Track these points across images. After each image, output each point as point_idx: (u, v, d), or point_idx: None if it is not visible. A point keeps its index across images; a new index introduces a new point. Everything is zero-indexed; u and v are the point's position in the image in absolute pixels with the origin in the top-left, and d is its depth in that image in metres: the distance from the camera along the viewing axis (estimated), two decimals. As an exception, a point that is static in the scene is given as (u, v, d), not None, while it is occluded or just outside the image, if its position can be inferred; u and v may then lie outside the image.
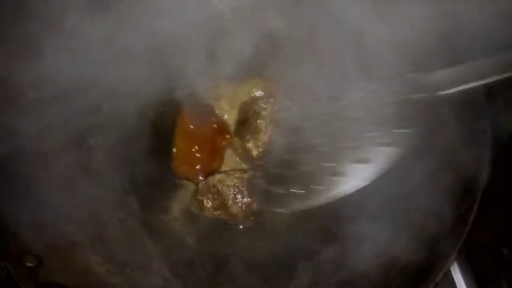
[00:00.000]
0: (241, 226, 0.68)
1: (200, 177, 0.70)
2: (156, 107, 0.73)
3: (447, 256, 0.51)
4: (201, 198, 0.68)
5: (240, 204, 0.67)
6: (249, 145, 0.68)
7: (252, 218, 0.68)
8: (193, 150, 0.70)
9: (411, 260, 0.55)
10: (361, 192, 0.50)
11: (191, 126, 0.71)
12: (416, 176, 0.56)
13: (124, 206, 0.68)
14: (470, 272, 0.65)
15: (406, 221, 0.57)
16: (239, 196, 0.67)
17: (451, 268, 0.64)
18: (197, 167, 0.70)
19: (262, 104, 0.71)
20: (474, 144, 0.55)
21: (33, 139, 0.59)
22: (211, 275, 0.64)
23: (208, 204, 0.67)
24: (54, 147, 0.62)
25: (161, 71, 0.70)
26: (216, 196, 0.67)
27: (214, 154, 0.72)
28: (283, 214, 0.68)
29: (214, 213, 0.68)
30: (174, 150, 0.71)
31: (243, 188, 0.67)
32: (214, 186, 0.67)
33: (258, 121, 0.69)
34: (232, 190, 0.67)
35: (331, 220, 0.62)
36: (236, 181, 0.67)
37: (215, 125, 0.72)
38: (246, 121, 0.71)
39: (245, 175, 0.68)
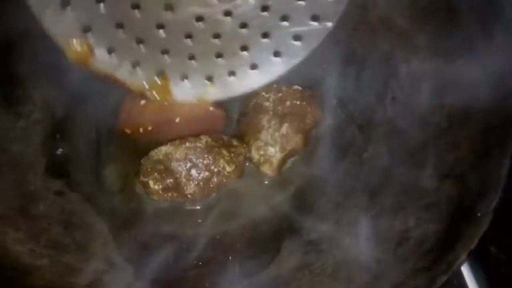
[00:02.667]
0: (198, 207, 0.55)
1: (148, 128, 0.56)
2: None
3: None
4: (146, 179, 0.52)
5: (196, 182, 0.52)
6: (249, 148, 0.56)
7: (213, 195, 0.54)
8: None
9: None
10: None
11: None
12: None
13: (62, 175, 0.53)
14: (481, 274, 0.57)
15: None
16: (194, 172, 0.52)
17: (462, 270, 0.56)
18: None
19: (263, 93, 0.57)
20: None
21: None
22: (172, 260, 0.50)
23: (156, 186, 0.52)
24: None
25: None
26: (164, 175, 0.52)
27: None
28: (251, 186, 0.56)
29: (165, 195, 0.53)
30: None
31: (198, 161, 0.52)
32: (161, 162, 0.52)
33: (260, 115, 0.56)
34: (184, 165, 0.52)
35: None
36: (187, 152, 0.52)
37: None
38: (245, 116, 0.58)
39: (199, 143, 0.53)
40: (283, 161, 0.56)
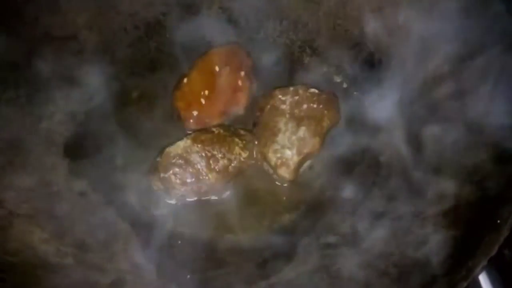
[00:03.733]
0: (215, 197, 0.56)
1: (191, 123, 0.58)
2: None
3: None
4: (166, 174, 0.53)
5: (217, 170, 0.54)
6: (266, 150, 0.56)
7: (230, 181, 0.56)
8: (202, 93, 0.58)
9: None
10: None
11: (216, 68, 0.59)
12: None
13: (84, 176, 0.55)
14: (496, 277, 0.56)
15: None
16: (213, 161, 0.54)
17: (480, 278, 0.55)
18: (194, 112, 0.58)
19: (280, 96, 0.57)
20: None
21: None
22: (194, 260, 0.51)
23: (178, 180, 0.53)
24: None
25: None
26: (184, 167, 0.53)
27: (218, 112, 0.59)
28: (269, 188, 0.56)
29: (182, 189, 0.54)
30: (185, 80, 0.59)
31: (215, 151, 0.54)
32: (180, 156, 0.54)
33: (277, 118, 0.57)
34: (204, 156, 0.54)
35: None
36: (204, 143, 0.54)
37: (240, 82, 0.59)
38: (262, 119, 0.58)
39: (213, 134, 0.55)
40: (300, 164, 0.57)
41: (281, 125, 0.56)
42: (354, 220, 0.52)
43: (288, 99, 0.57)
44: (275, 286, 0.50)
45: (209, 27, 0.64)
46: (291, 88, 0.58)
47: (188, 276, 0.48)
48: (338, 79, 0.63)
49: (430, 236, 0.46)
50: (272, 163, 0.56)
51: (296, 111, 0.57)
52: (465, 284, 0.40)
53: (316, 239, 0.52)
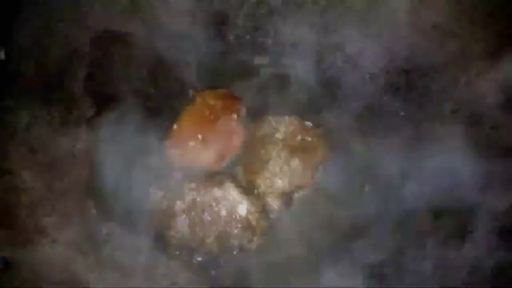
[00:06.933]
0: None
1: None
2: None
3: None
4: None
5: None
6: (255, 177, 0.54)
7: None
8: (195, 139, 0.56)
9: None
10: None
11: (207, 112, 0.57)
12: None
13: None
14: None
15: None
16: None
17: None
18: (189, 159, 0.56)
19: (274, 123, 0.56)
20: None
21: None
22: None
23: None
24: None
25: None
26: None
27: (215, 158, 0.56)
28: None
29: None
30: (175, 126, 0.57)
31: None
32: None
33: (269, 146, 0.56)
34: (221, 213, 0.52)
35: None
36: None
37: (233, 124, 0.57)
38: (254, 145, 0.56)
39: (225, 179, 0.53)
40: (290, 194, 0.55)
41: (273, 153, 0.55)
42: (398, 239, 0.51)
43: (282, 128, 0.56)
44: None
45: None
46: (286, 117, 0.56)
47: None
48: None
49: (484, 260, 0.44)
50: (261, 190, 0.54)
51: (290, 141, 0.55)
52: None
53: (358, 260, 0.51)
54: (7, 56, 0.53)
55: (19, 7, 0.54)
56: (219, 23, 0.61)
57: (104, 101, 0.57)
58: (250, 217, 0.52)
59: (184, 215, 0.52)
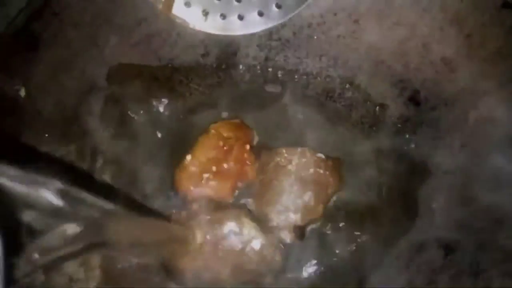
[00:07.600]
0: None
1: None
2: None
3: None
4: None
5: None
6: (269, 210, 0.54)
7: None
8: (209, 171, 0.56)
9: None
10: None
11: (220, 143, 0.57)
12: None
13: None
14: None
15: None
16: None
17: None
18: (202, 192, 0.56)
19: (286, 155, 0.56)
20: None
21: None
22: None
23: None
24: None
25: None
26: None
27: (230, 189, 0.57)
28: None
29: None
30: (188, 158, 0.57)
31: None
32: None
33: (281, 177, 0.56)
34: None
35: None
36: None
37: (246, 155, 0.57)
38: (265, 177, 0.56)
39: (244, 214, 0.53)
40: (302, 228, 0.55)
41: (286, 185, 0.55)
42: (410, 274, 0.51)
43: (295, 160, 0.56)
44: None
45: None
46: (299, 149, 0.56)
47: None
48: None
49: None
50: (274, 223, 0.55)
51: (303, 173, 0.55)
52: None
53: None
54: (26, 93, 0.54)
55: (36, 43, 0.55)
56: (232, 53, 0.62)
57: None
58: (265, 251, 0.53)
59: (199, 248, 0.53)
